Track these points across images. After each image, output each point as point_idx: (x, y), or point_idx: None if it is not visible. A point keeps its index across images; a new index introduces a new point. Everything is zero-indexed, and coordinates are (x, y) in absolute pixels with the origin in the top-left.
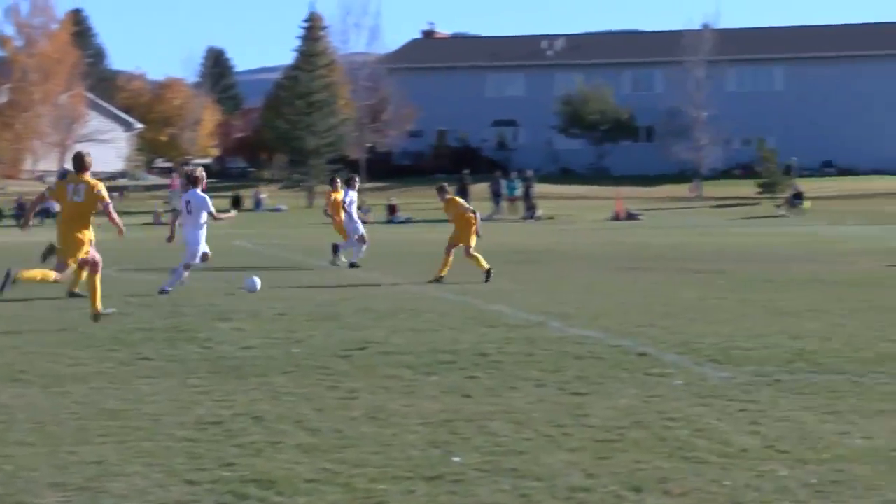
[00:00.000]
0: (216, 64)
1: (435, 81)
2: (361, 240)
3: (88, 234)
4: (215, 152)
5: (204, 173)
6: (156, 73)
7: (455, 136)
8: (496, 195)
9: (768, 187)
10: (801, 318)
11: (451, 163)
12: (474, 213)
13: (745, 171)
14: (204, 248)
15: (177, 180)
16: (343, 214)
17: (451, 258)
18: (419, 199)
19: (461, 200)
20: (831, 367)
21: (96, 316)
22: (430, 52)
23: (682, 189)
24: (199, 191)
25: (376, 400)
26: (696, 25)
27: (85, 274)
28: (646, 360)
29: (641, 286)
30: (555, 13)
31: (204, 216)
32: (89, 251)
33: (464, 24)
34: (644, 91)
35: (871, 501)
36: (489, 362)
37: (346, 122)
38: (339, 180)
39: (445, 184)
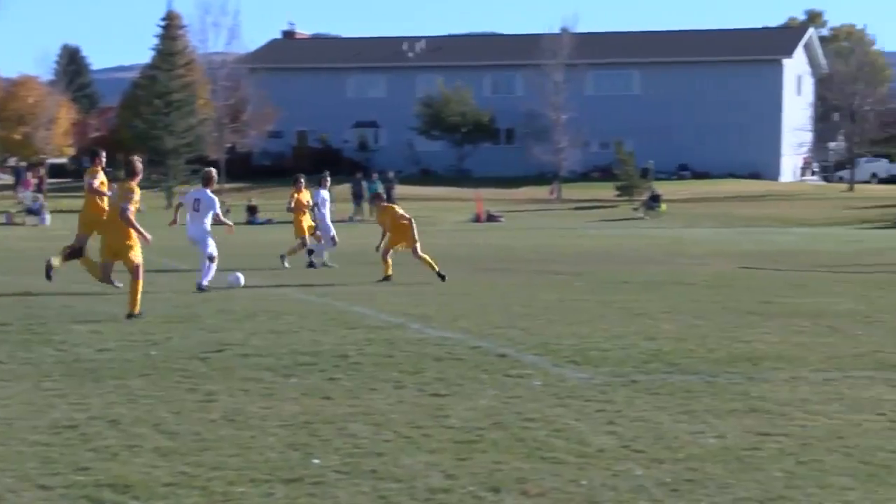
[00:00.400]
0: (71, 62)
1: (295, 82)
2: (332, 241)
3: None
4: (71, 151)
5: (215, 174)
6: (9, 71)
7: (316, 137)
8: (357, 196)
9: (626, 190)
10: (657, 320)
11: (312, 164)
12: (410, 220)
13: (604, 173)
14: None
15: (31, 179)
16: (311, 214)
17: (390, 261)
18: (280, 200)
19: (398, 208)
20: (686, 367)
21: (130, 314)
22: (290, 52)
23: (542, 191)
24: (209, 191)
25: (235, 402)
26: (555, 29)
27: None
28: (505, 361)
29: (501, 288)
30: (416, 15)
31: (210, 216)
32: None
33: (325, 24)
34: (504, 93)
35: (724, 499)
36: (349, 364)
37: (205, 122)
38: (302, 179)
39: (381, 192)
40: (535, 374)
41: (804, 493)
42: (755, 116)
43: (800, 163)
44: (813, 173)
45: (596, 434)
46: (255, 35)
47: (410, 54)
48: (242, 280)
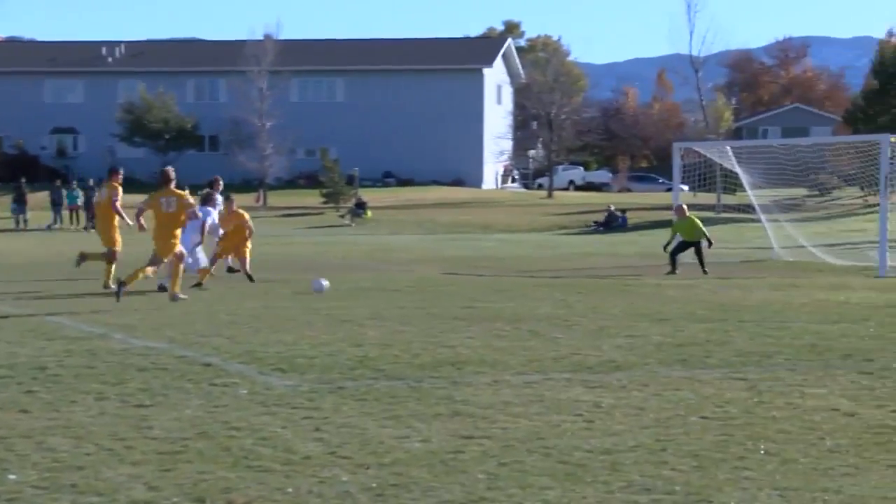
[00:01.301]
0: None
1: None
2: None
3: (178, 236)
4: None
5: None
6: None
7: (11, 143)
8: (56, 204)
9: (332, 197)
10: (363, 326)
11: (8, 171)
12: (251, 232)
13: (310, 180)
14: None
15: None
16: None
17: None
18: None
19: (247, 216)
20: (391, 373)
21: (174, 297)
22: None
23: (248, 198)
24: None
25: None
26: (258, 36)
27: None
28: (211, 370)
29: (206, 296)
30: (115, 19)
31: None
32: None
33: (19, 28)
34: (208, 100)
35: (429, 502)
36: (48, 376)
37: None
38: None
39: (232, 195)
40: (242, 382)
41: (506, 494)
42: (457, 124)
43: (501, 170)
44: (513, 181)
45: (303, 441)
46: None
47: (110, 59)
48: (326, 285)
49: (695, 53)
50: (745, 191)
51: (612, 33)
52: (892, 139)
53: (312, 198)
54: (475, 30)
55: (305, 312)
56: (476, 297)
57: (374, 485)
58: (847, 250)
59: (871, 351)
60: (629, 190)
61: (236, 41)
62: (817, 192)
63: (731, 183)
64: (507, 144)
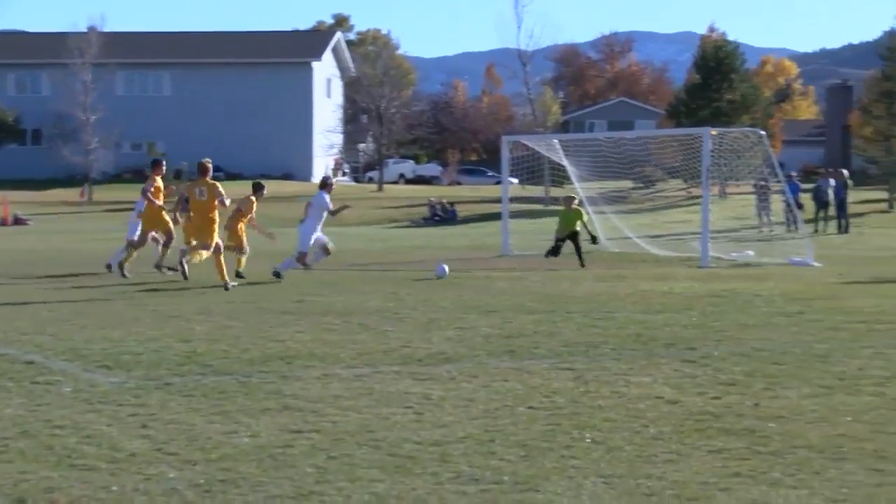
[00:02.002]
0: None
1: None
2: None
3: (215, 223)
4: None
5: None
6: None
7: None
8: None
9: None
10: (191, 321)
11: None
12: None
13: (137, 175)
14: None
15: None
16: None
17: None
18: None
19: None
20: (220, 368)
21: (225, 285)
22: None
23: (73, 193)
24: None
25: None
26: (82, 28)
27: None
28: (33, 368)
29: (27, 292)
30: None
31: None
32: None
33: None
34: (30, 93)
35: (257, 497)
36: None
37: None
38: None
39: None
40: (65, 380)
41: (335, 488)
42: (286, 118)
43: (331, 164)
44: (344, 174)
45: (128, 438)
46: None
47: None
48: (447, 270)
49: (523, 48)
50: (572, 183)
51: (442, 27)
52: (713, 132)
53: (138, 192)
54: (304, 23)
55: (132, 308)
56: (306, 290)
57: (201, 481)
58: (671, 241)
59: (693, 339)
60: (459, 183)
61: (59, 33)
62: (642, 185)
63: (559, 176)
64: (338, 138)
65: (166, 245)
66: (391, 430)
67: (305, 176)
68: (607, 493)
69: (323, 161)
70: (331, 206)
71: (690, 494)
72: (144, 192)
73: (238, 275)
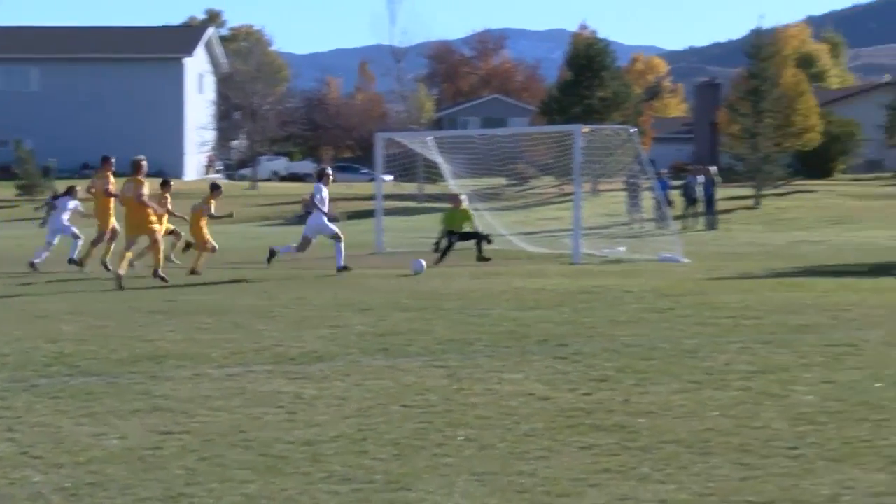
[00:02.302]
0: None
1: None
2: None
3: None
4: None
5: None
6: None
7: None
8: None
9: (27, 189)
10: (60, 321)
11: None
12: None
13: (3, 172)
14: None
15: None
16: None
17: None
18: None
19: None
20: (88, 369)
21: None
22: None
23: None
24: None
25: None
26: None
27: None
28: None
29: None
30: None
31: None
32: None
33: None
34: None
35: (126, 500)
36: None
37: None
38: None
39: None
40: None
41: (205, 489)
42: (158, 114)
43: (204, 161)
44: (217, 171)
45: None
46: None
47: None
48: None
49: (396, 44)
50: (446, 181)
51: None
52: (585, 130)
53: (6, 190)
54: (177, 18)
55: None
56: (177, 290)
57: (67, 484)
58: (544, 238)
59: (564, 336)
60: (333, 180)
61: None
62: (516, 182)
63: (434, 173)
64: (210, 135)
65: (96, 243)
66: (263, 430)
67: (177, 173)
68: (479, 491)
69: (195, 158)
70: (319, 196)
71: (561, 491)
72: (107, 192)
73: (193, 272)
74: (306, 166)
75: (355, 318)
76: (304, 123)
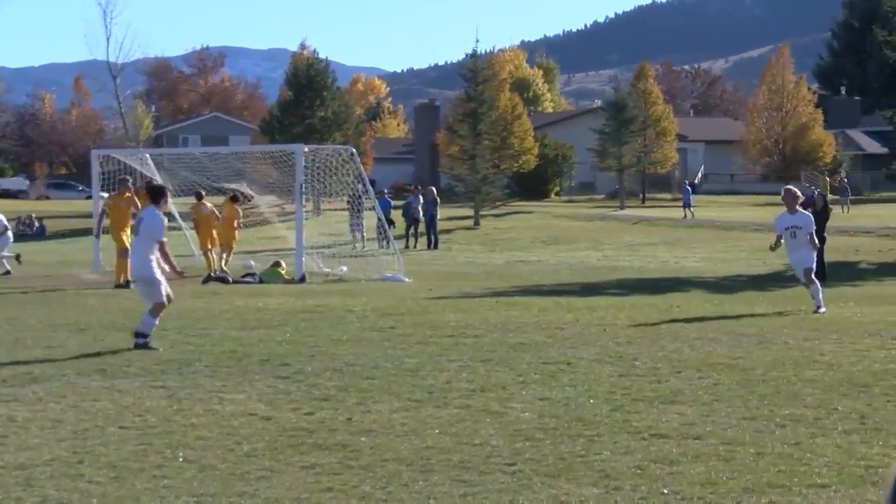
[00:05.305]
0: None
1: None
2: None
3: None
4: None
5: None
6: None
7: None
8: None
9: None
10: None
11: None
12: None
13: None
14: None
15: None
16: None
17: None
18: None
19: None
20: None
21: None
22: None
23: None
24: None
25: None
26: None
27: None
28: None
29: None
30: None
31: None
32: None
33: None
34: None
35: None
36: None
37: None
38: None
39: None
40: None
41: None
42: None
43: None
44: None
45: None
46: None
47: None
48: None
49: (112, 60)
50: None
51: (27, 37)
52: (305, 149)
53: None
54: None
55: None
56: None
57: None
58: (267, 257)
59: (286, 355)
60: (48, 197)
61: None
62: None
63: None
64: None
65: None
66: None
67: None
68: None
69: None
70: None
71: None
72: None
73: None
74: (19, 183)
75: (72, 338)
76: (15, 139)
